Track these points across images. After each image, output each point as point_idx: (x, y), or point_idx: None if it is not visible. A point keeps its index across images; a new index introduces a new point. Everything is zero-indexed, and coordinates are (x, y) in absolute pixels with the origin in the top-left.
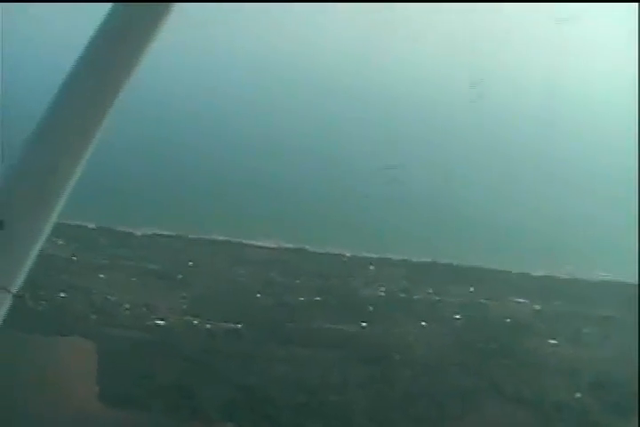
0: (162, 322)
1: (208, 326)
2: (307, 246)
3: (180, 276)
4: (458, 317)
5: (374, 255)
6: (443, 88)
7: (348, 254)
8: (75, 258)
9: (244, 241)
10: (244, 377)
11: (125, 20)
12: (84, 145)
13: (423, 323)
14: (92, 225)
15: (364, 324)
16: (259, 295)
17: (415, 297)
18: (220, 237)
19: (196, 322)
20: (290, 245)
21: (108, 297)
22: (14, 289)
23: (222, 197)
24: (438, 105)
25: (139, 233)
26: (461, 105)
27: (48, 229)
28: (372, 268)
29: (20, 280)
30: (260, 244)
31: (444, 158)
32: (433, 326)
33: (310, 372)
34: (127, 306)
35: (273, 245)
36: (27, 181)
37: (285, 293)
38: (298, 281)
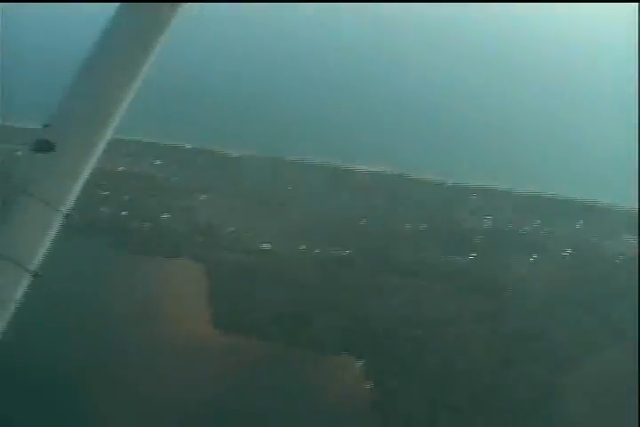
0: (268, 246)
1: (316, 251)
2: (408, 172)
3: (282, 200)
4: (568, 251)
5: (476, 185)
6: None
7: (449, 182)
8: (174, 178)
9: (343, 165)
10: (359, 307)
11: (134, 20)
12: (131, 75)
13: (533, 256)
14: (188, 146)
15: (472, 255)
16: (363, 221)
17: (523, 229)
18: (318, 161)
19: (302, 247)
20: (391, 171)
21: (212, 219)
22: (65, 209)
23: (319, 120)
24: None
25: (235, 154)
26: None
27: (97, 153)
28: (474, 197)
29: (70, 200)
30: (360, 168)
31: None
32: (543, 260)
33: (425, 303)
34: (232, 229)
35: (373, 170)
36: (77, 107)
37: (390, 220)
38: (401, 208)
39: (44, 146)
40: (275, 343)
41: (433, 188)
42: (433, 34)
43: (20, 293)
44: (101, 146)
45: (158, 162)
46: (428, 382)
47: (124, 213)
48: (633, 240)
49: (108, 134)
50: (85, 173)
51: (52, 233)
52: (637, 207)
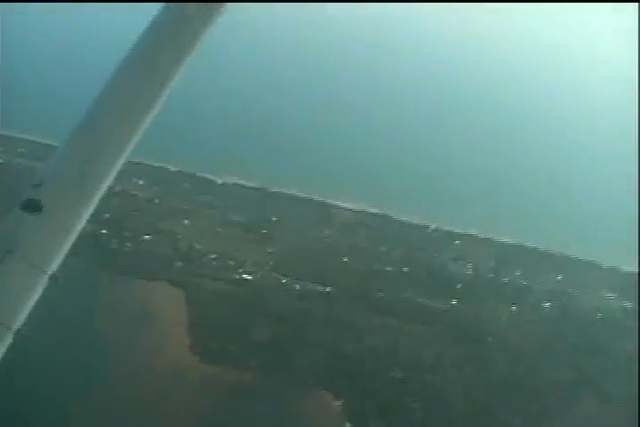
0: (249, 277)
1: (297, 286)
2: (391, 213)
3: (265, 230)
4: (547, 304)
5: (459, 230)
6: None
7: (432, 226)
8: (157, 201)
9: (327, 201)
10: (338, 344)
11: (175, 19)
12: (126, 139)
13: (513, 307)
14: (173, 168)
15: (453, 301)
16: (345, 259)
17: (504, 279)
18: (302, 195)
19: (284, 281)
20: (374, 210)
21: (194, 244)
22: (51, 270)
23: (306, 153)
24: None
25: (220, 181)
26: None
27: (86, 215)
28: (457, 243)
29: (57, 261)
30: (344, 205)
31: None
32: (523, 311)
33: (405, 346)
34: (213, 256)
35: (357, 208)
36: (69, 168)
37: (372, 259)
38: (383, 248)
39: (33, 206)
40: (252, 376)
41: (416, 230)
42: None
43: (1, 351)
44: (91, 208)
45: (141, 182)
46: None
47: (104, 231)
48: (612, 297)
49: (99, 195)
50: (74, 235)
51: (37, 294)
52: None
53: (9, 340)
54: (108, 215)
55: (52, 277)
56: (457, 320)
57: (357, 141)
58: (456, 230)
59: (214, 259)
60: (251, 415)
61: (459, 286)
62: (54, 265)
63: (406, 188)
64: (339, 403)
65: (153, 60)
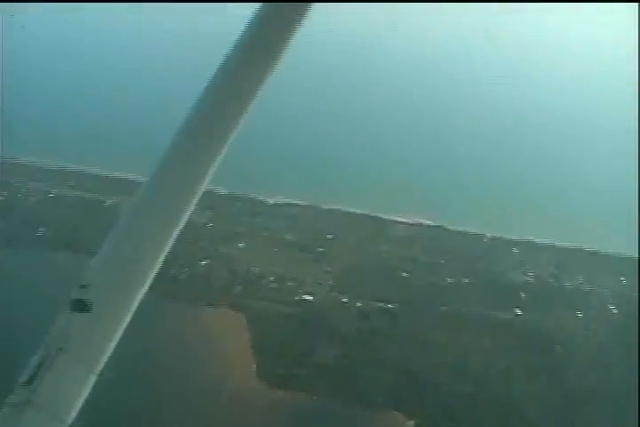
0: (310, 297)
1: (359, 304)
2: (446, 224)
3: (321, 249)
4: (614, 309)
5: (515, 237)
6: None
7: (488, 235)
8: (211, 225)
9: (381, 215)
10: (406, 362)
11: (266, 19)
12: (167, 235)
13: (579, 313)
14: (223, 191)
15: (518, 311)
16: (405, 274)
17: (566, 285)
18: (355, 210)
19: (345, 299)
20: (429, 222)
21: (251, 268)
22: (98, 368)
23: (355, 169)
24: None
25: (271, 201)
26: None
27: (131, 313)
28: (515, 250)
29: (104, 360)
30: (398, 219)
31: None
32: (590, 316)
33: (473, 360)
34: (271, 278)
35: (411, 221)
36: (113, 269)
37: (432, 273)
38: (442, 261)
39: (81, 306)
40: (322, 399)
41: (473, 240)
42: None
43: None
44: (136, 305)
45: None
46: None
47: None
48: None
49: (142, 295)
50: (120, 333)
51: (87, 391)
52: None
53: None
54: None
55: (100, 375)
56: (523, 330)
57: (404, 156)
58: (513, 238)
59: (273, 281)
60: None
61: (522, 294)
62: (102, 362)
63: (458, 198)
64: (411, 423)
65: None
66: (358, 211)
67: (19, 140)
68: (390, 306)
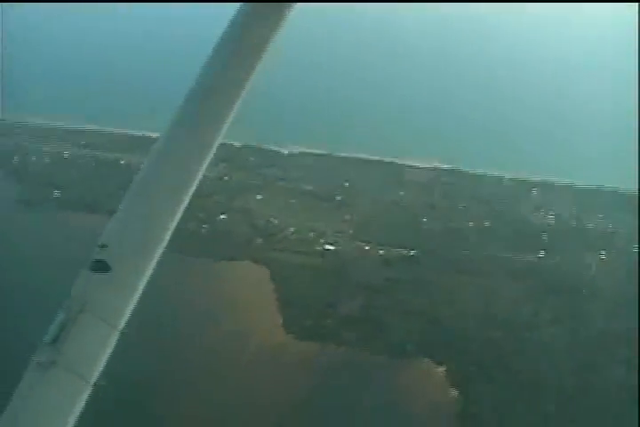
0: (331, 247)
1: (381, 252)
2: (464, 168)
3: (339, 197)
4: (637, 249)
5: (534, 178)
6: None
7: (507, 176)
8: (227, 178)
9: (396, 161)
10: (432, 308)
11: (249, 19)
12: (182, 195)
13: (602, 254)
14: (237, 143)
15: (541, 253)
16: (425, 219)
17: (588, 225)
18: (371, 157)
19: (367, 248)
20: (446, 166)
21: (271, 219)
22: (121, 326)
23: (367, 115)
24: None
25: (285, 151)
26: None
27: (150, 271)
28: (535, 192)
29: (126, 318)
30: (414, 164)
31: None
32: (613, 257)
33: (498, 305)
34: (292, 229)
35: (428, 166)
36: (130, 229)
37: (452, 217)
38: (462, 205)
39: (101, 266)
40: (350, 349)
41: (492, 182)
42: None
43: (81, 404)
44: (154, 263)
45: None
46: (515, 388)
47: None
48: None
49: (160, 253)
50: (139, 292)
51: (110, 349)
52: None
53: (88, 392)
54: None
55: (122, 332)
56: (548, 273)
57: (415, 101)
58: (532, 179)
59: (293, 232)
60: (356, 390)
61: (544, 236)
62: (123, 320)
63: (474, 140)
64: (441, 369)
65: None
66: (373, 157)
67: (28, 101)
68: (412, 253)
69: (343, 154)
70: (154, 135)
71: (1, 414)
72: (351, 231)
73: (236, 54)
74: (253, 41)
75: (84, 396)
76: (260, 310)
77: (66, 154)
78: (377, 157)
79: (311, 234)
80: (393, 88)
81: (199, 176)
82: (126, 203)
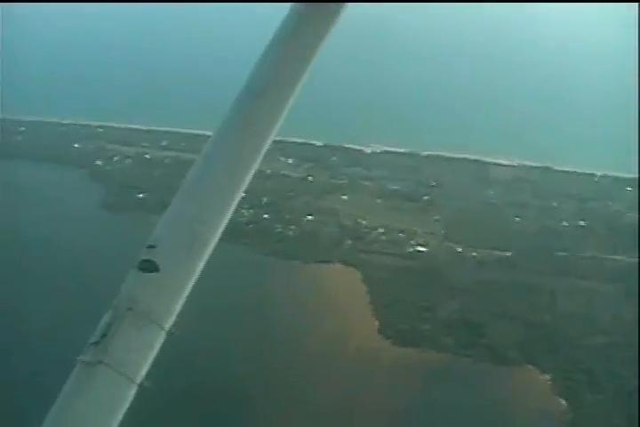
0: (423, 249)
1: (474, 253)
2: (552, 164)
3: (427, 197)
4: None
5: (628, 175)
6: None
7: (598, 173)
8: (311, 178)
9: (482, 158)
10: (531, 312)
11: (300, 20)
12: (232, 196)
13: None
14: (318, 143)
15: None
16: (517, 219)
17: None
18: (455, 155)
19: (460, 249)
20: (534, 163)
21: (358, 220)
22: (168, 326)
23: (450, 113)
24: None
25: (368, 150)
26: None
27: (198, 272)
28: (629, 189)
29: (173, 318)
30: (500, 161)
31: None
32: None
33: (601, 309)
34: (381, 230)
35: (515, 163)
36: (179, 229)
37: (544, 217)
38: (554, 203)
39: (149, 266)
40: (450, 355)
41: (583, 180)
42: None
43: (126, 404)
44: (203, 265)
45: (290, 161)
46: (626, 399)
47: (265, 215)
48: None
49: (209, 252)
50: (186, 292)
51: (156, 349)
52: None
53: (133, 392)
54: (265, 199)
55: (169, 333)
56: None
57: (498, 97)
58: (625, 175)
59: (383, 233)
60: (457, 398)
61: None
62: (171, 321)
63: (562, 137)
64: (546, 377)
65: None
66: (458, 155)
67: (107, 104)
68: (507, 254)
69: (426, 152)
70: None
71: (46, 414)
72: (442, 232)
73: (288, 55)
74: (306, 41)
75: (130, 396)
76: (353, 313)
77: (147, 155)
78: (461, 155)
79: (401, 235)
80: (475, 85)
81: (250, 176)
82: (175, 202)
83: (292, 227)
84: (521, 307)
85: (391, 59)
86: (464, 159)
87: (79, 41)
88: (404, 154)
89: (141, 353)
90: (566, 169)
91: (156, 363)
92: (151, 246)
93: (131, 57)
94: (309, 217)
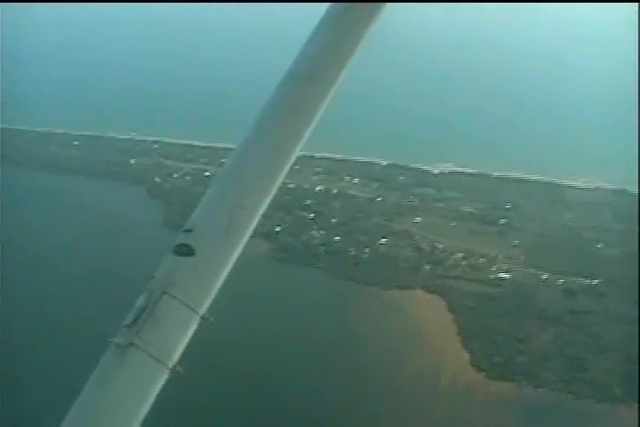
0: (507, 275)
1: (560, 281)
2: (629, 188)
3: (503, 220)
4: None
5: None
6: None
7: None
8: (380, 199)
9: (556, 180)
10: (630, 345)
11: (339, 19)
12: (272, 182)
13: None
14: (383, 162)
15: None
16: (599, 245)
17: None
18: (528, 176)
19: (544, 276)
20: (611, 186)
21: (435, 244)
22: (202, 311)
23: (520, 132)
24: None
25: (435, 171)
26: None
27: (234, 258)
28: None
29: (207, 303)
30: (575, 184)
31: None
32: None
33: None
34: (460, 255)
35: (591, 186)
36: (217, 214)
37: (628, 242)
38: (635, 228)
39: (185, 250)
40: (553, 391)
41: None
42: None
43: (157, 388)
44: (239, 250)
45: (356, 180)
46: None
47: (337, 238)
48: None
49: (247, 239)
50: (223, 277)
51: (190, 333)
52: None
53: (165, 376)
54: (335, 220)
55: (203, 318)
56: None
57: (572, 117)
58: None
59: (462, 258)
60: None
61: None
62: (205, 305)
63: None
64: None
65: (315, 73)
66: (531, 177)
67: (161, 119)
68: (595, 282)
69: (498, 173)
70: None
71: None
72: (523, 257)
73: (321, 63)
74: (334, 59)
75: (162, 380)
76: (442, 344)
77: (207, 173)
78: (534, 177)
79: (481, 260)
80: (543, 103)
81: (292, 161)
82: (214, 187)
83: (367, 250)
84: (617, 339)
85: (445, 75)
86: (537, 181)
87: (127, 50)
88: (473, 174)
89: (174, 337)
90: None
91: None
92: (188, 231)
93: (177, 69)
94: (384, 240)
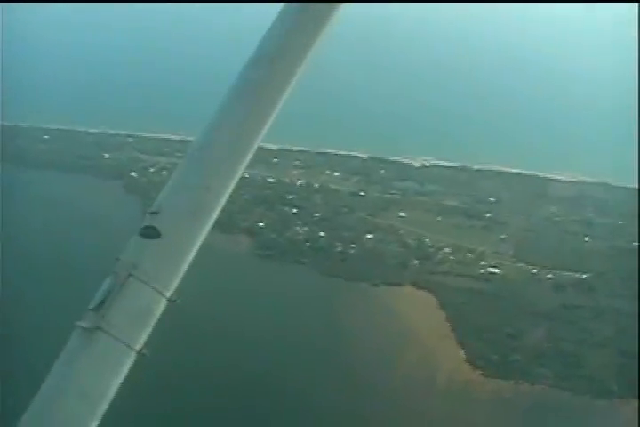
0: (496, 270)
1: (549, 275)
2: (611, 181)
3: (488, 214)
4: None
5: None
6: None
7: None
8: (363, 193)
9: (538, 174)
10: (623, 340)
11: (293, 20)
12: (238, 164)
13: None
14: (363, 155)
15: None
16: (587, 239)
17: None
18: (509, 169)
19: (534, 271)
20: (592, 179)
21: (422, 238)
22: (169, 293)
23: (501, 125)
24: None
25: (416, 164)
26: None
27: (201, 240)
28: None
29: (174, 285)
30: (556, 177)
31: None
32: None
33: None
34: (447, 250)
35: (572, 179)
36: (183, 196)
37: (615, 236)
38: (621, 222)
39: (151, 232)
40: (550, 388)
41: None
42: None
43: (124, 371)
44: (206, 232)
45: (337, 174)
46: None
47: (321, 233)
48: None
49: (213, 220)
50: (189, 260)
51: (156, 316)
52: None
53: (132, 359)
54: (318, 215)
55: (170, 300)
56: None
57: (550, 110)
58: None
59: (450, 253)
60: None
61: None
62: (171, 288)
63: (618, 152)
64: None
65: (273, 65)
66: (512, 170)
67: (135, 113)
68: (584, 276)
69: (479, 166)
70: (273, 147)
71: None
72: (511, 252)
73: (278, 59)
74: (297, 43)
75: (128, 363)
76: (436, 342)
77: None
78: (515, 170)
79: (469, 255)
80: (522, 97)
81: (258, 143)
82: (180, 169)
83: (353, 245)
84: (610, 334)
85: (422, 70)
86: (519, 174)
87: (102, 45)
88: (454, 168)
89: (141, 320)
90: (627, 186)
91: None
92: (154, 212)
93: (149, 61)
94: (369, 235)
